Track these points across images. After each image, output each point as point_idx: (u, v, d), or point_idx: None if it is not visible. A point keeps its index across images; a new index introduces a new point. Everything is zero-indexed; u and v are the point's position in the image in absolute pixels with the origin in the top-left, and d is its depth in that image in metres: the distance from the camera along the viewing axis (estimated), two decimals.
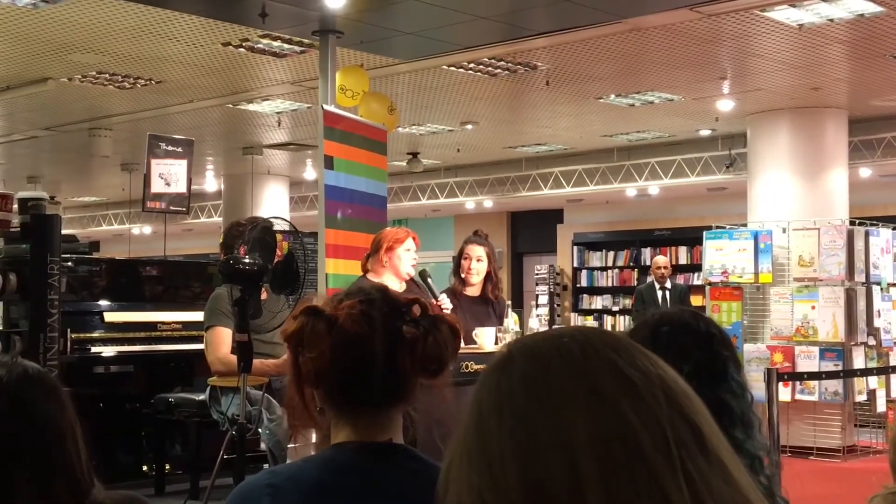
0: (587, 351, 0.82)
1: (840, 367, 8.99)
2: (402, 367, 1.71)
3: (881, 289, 9.45)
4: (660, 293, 10.95)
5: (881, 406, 9.41)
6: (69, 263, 7.16)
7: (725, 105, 10.25)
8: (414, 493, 1.69)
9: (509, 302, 6.09)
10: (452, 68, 8.83)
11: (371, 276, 5.42)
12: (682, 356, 1.85)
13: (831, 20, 7.43)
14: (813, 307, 9.19)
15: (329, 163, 6.32)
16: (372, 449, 1.72)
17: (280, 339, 1.78)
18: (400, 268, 5.43)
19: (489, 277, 5.83)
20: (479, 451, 0.80)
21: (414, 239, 5.51)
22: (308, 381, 1.72)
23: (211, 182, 16.33)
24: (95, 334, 7.25)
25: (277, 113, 10.88)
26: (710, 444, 0.79)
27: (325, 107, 6.52)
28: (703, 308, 9.97)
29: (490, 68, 8.87)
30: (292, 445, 5.23)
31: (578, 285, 17.40)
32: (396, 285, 5.35)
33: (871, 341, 9.38)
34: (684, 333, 1.97)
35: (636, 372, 0.80)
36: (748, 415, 1.96)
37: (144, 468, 7.32)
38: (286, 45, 8.07)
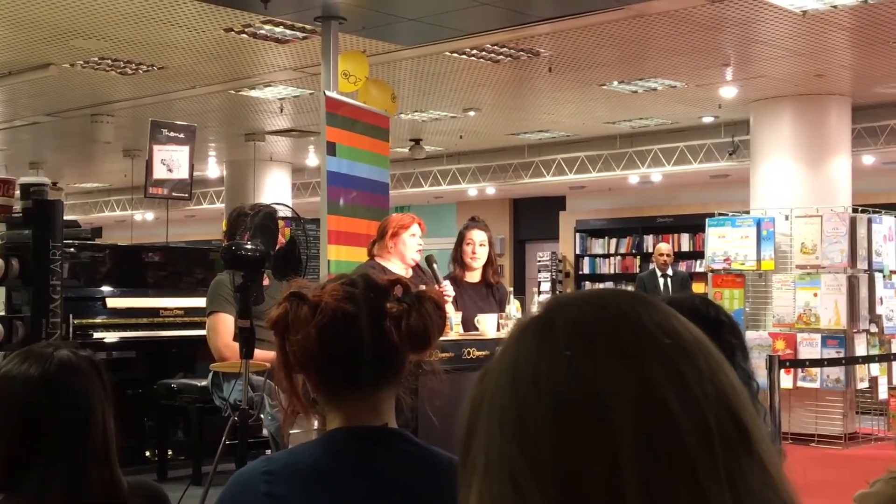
0: (638, 333, 0.78)
1: (842, 355, 8.99)
2: (390, 344, 1.72)
3: (884, 276, 9.45)
4: (661, 280, 10.95)
5: (883, 393, 9.42)
6: (71, 249, 7.17)
7: (728, 92, 10.23)
8: (410, 476, 1.69)
9: (511, 289, 6.11)
10: (455, 55, 8.82)
11: (378, 262, 5.44)
12: None
13: (835, 7, 7.40)
14: (815, 294, 9.19)
15: (331, 149, 6.31)
16: (367, 433, 1.72)
17: (266, 325, 1.79)
18: (406, 253, 5.45)
19: (489, 262, 5.86)
20: (514, 420, 0.75)
21: (419, 224, 5.53)
22: (295, 366, 1.73)
23: (213, 168, 16.32)
24: (98, 320, 7.26)
25: (280, 99, 10.87)
26: (754, 443, 0.76)
27: (328, 93, 6.51)
28: (705, 295, 9.97)
29: (493, 55, 8.85)
30: (294, 431, 5.24)
31: (581, 272, 17.39)
32: (402, 271, 5.37)
33: (874, 329, 9.39)
34: (694, 319, 1.96)
35: (687, 362, 0.77)
36: (754, 404, 1.95)
37: (147, 454, 7.34)
38: (288, 31, 8.05)
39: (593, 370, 0.75)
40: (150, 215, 19.76)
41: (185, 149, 10.30)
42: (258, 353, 4.88)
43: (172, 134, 10.30)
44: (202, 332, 6.01)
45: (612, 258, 17.13)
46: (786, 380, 8.77)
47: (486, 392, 0.79)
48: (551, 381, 0.75)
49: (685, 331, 0.80)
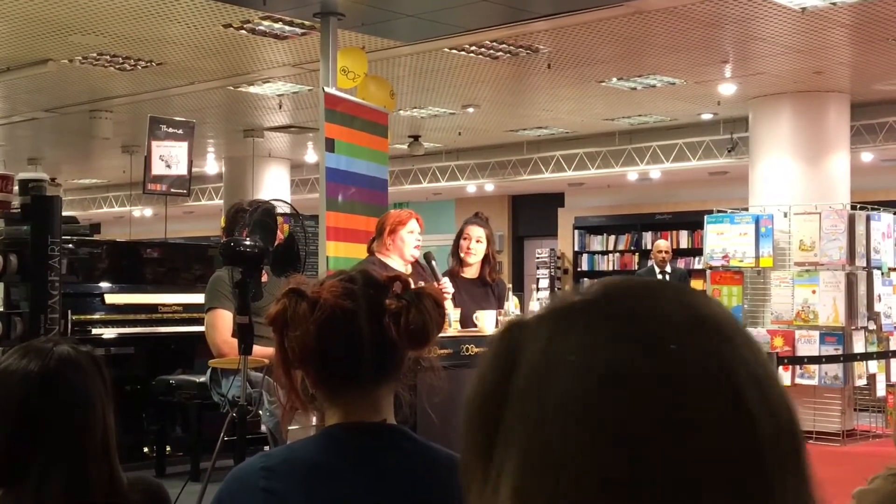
0: (722, 332, 0.74)
1: (840, 352, 9.00)
2: (389, 341, 1.72)
3: (882, 273, 9.45)
4: (660, 277, 10.95)
5: (881, 390, 9.42)
6: (70, 245, 7.16)
7: (727, 89, 10.23)
8: (408, 472, 1.70)
9: (510, 285, 6.11)
10: (454, 51, 8.81)
11: (378, 258, 5.44)
12: None
13: (834, 3, 7.40)
14: (813, 291, 9.19)
15: (330, 145, 6.31)
16: (365, 429, 1.72)
17: (265, 322, 1.78)
18: (404, 250, 5.45)
19: (487, 260, 5.85)
20: (582, 418, 0.70)
21: (417, 220, 5.53)
22: (294, 362, 1.73)
23: (212, 164, 16.31)
24: (96, 316, 7.26)
25: (278, 95, 10.86)
26: (803, 461, 0.74)
27: (327, 89, 6.51)
28: (703, 292, 9.97)
29: (492, 51, 8.85)
30: (292, 427, 5.24)
31: (579, 269, 17.39)
32: (401, 267, 5.37)
33: (872, 326, 9.39)
34: None
35: (758, 365, 0.73)
36: None
37: (145, 450, 7.34)
38: (287, 27, 8.05)
39: (676, 369, 0.71)
40: (148, 211, 19.75)
41: (184, 145, 10.29)
42: (257, 349, 4.88)
43: (171, 130, 10.29)
44: (201, 329, 6.01)
45: (610, 255, 17.13)
46: (784, 377, 8.77)
47: (529, 379, 0.73)
48: (634, 379, 0.70)
49: (743, 330, 0.77)
